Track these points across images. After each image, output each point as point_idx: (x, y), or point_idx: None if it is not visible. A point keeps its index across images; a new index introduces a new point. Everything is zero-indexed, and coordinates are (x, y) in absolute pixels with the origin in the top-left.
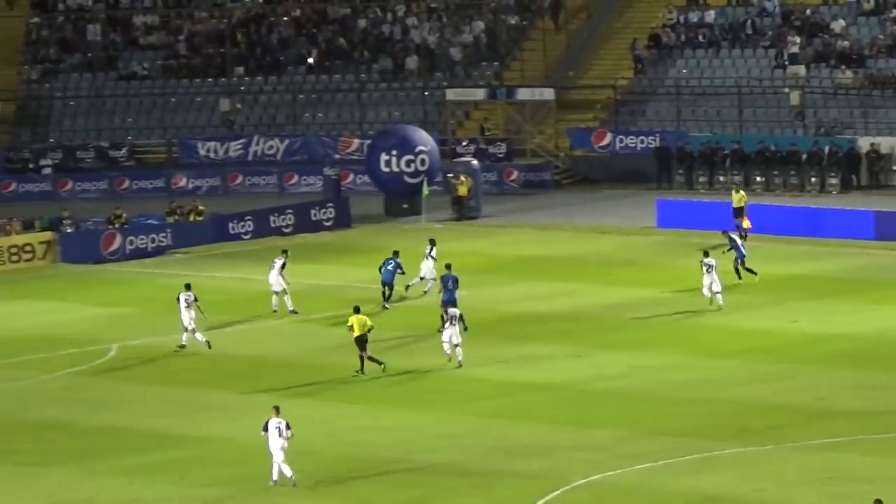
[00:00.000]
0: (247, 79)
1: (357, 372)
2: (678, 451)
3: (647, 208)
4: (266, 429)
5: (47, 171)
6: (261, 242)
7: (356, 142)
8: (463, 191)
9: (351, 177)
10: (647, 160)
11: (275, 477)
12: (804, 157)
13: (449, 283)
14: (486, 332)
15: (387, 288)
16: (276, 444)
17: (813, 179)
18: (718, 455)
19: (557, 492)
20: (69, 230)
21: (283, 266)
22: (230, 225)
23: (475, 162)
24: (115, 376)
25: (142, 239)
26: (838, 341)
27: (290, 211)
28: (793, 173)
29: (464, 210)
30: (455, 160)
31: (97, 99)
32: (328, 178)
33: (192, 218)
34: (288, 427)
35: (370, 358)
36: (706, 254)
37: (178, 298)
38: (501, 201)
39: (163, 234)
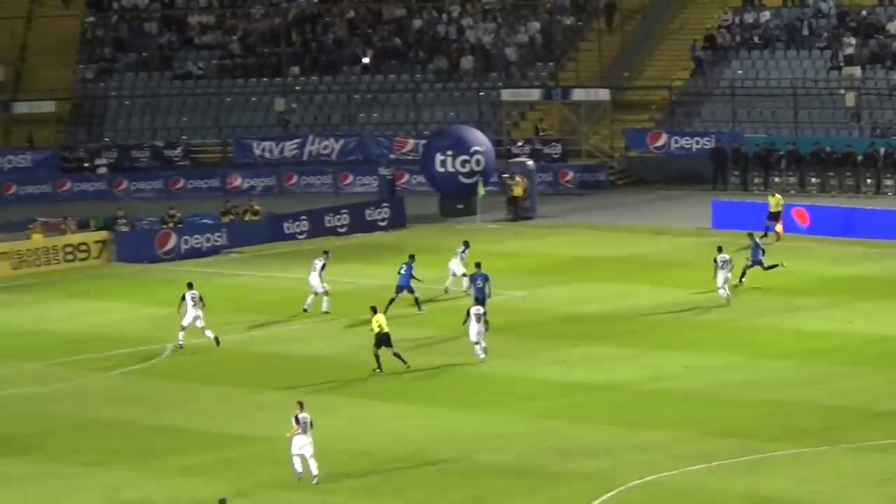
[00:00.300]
0: (302, 78)
1: (377, 370)
2: (733, 452)
3: (702, 209)
4: (298, 422)
5: (102, 170)
6: (316, 242)
7: (411, 142)
8: (518, 191)
9: (406, 177)
10: (703, 161)
11: (299, 469)
12: (860, 158)
13: (478, 282)
14: (542, 332)
15: (406, 292)
16: (303, 439)
17: (868, 181)
18: (774, 456)
19: (612, 492)
20: (124, 229)
21: (324, 267)
22: (285, 225)
23: (530, 162)
24: (171, 376)
25: (197, 238)
26: (894, 342)
27: (345, 211)
28: (848, 174)
29: (519, 210)
30: (510, 160)
31: (152, 98)
32: (383, 178)
33: (247, 218)
34: (311, 425)
35: (375, 357)
36: (720, 250)
37: (183, 297)
38: (556, 202)
39: (218, 234)
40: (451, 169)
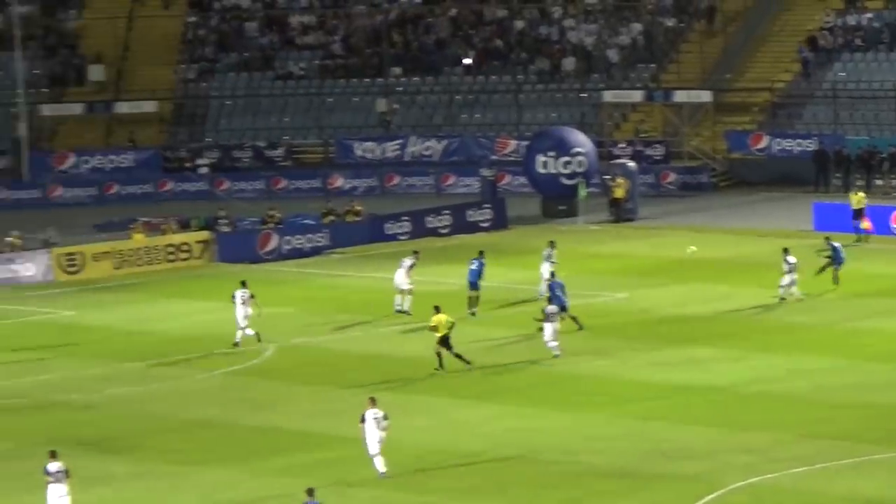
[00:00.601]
0: (403, 79)
1: (438, 368)
2: (835, 454)
3: (803, 211)
4: (363, 420)
5: (204, 170)
6: (417, 243)
7: (513, 143)
8: (620, 193)
9: (508, 178)
10: (805, 163)
11: (382, 469)
12: None
13: (556, 290)
14: (644, 334)
15: (475, 292)
16: (374, 436)
17: None
18: (876, 459)
19: (714, 494)
20: (226, 230)
21: (412, 267)
22: (387, 225)
23: (632, 164)
24: (272, 376)
25: (298, 239)
26: None
27: (446, 212)
28: None
29: (621, 212)
30: (612, 162)
31: (254, 98)
32: (485, 180)
33: (348, 218)
34: (385, 418)
35: (457, 356)
36: (786, 251)
37: (233, 296)
38: (658, 203)
39: (320, 235)
40: (552, 170)
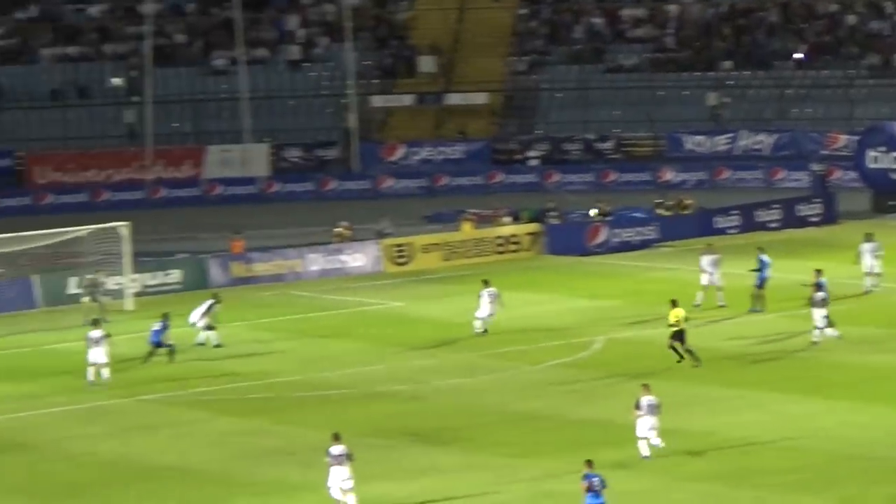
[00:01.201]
0: (734, 73)
1: (679, 360)
2: None
3: None
4: (639, 406)
5: (534, 162)
6: (746, 237)
7: (844, 138)
8: None
9: (838, 173)
10: None
11: (645, 453)
12: None
13: (824, 287)
14: None
15: (756, 289)
16: (647, 422)
17: None
18: None
19: None
20: (555, 222)
21: (715, 262)
22: (716, 219)
23: None
24: (601, 369)
25: (628, 232)
26: None
27: (776, 206)
28: None
29: None
30: None
31: (584, 91)
32: (815, 174)
33: (679, 212)
34: (659, 406)
35: (687, 351)
36: None
37: (480, 294)
38: None
39: (649, 228)
40: (883, 165)
